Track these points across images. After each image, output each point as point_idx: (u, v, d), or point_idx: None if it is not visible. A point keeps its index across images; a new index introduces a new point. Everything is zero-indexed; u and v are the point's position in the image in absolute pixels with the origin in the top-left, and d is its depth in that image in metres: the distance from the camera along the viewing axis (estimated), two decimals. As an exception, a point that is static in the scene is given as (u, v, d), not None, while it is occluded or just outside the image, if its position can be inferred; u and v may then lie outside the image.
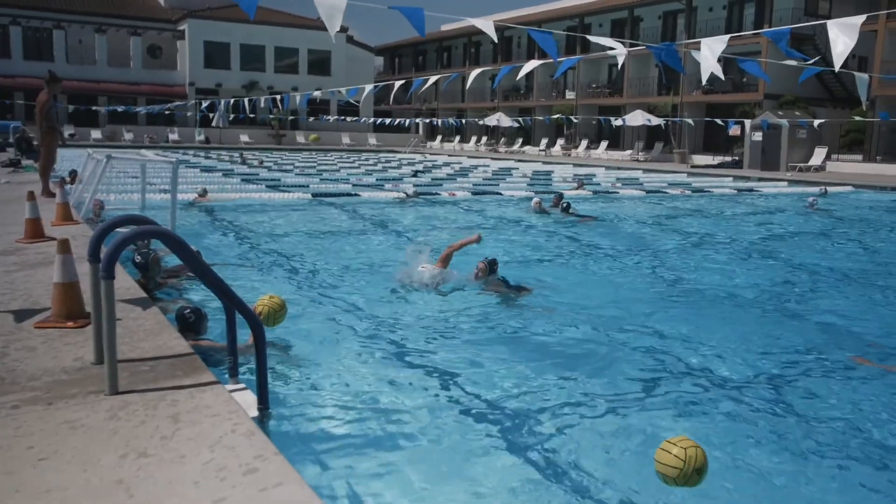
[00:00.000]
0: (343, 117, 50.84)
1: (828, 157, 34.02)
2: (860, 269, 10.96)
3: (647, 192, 23.48)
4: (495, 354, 6.29)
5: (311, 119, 54.88)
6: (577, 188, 22.85)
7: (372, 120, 47.60)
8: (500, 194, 21.20)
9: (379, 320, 7.23)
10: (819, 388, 5.68)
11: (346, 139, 55.20)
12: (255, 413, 3.92)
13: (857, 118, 31.81)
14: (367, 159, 40.17)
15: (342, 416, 4.85)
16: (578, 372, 5.87)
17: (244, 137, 51.96)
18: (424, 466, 4.22)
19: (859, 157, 34.80)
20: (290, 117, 53.26)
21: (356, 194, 19.61)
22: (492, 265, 8.67)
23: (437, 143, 60.56)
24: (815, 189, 23.16)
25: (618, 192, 22.99)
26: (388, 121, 42.67)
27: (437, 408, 5.00)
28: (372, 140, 56.01)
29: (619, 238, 13.62)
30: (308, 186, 21.72)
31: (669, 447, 3.60)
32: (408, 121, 44.96)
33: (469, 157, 45.97)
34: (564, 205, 16.10)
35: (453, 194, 20.75)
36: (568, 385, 5.52)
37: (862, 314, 8.12)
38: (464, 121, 51.13)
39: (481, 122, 49.67)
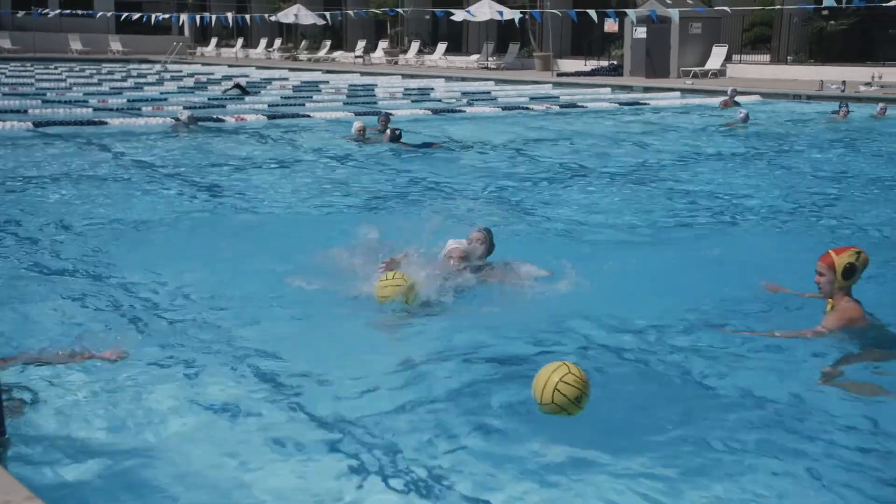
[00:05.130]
0: (69, 10, 48.34)
1: (728, 59, 36.06)
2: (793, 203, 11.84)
3: (504, 108, 24.24)
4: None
5: (20, 14, 51.72)
6: None
7: (113, 15, 45.68)
8: (308, 117, 21.22)
9: (161, 302, 7.07)
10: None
11: (75, 44, 52.63)
12: (-13, 443, 3.79)
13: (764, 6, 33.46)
14: (110, 73, 39.28)
15: (114, 437, 4.76)
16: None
17: None
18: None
19: (766, 57, 37.06)
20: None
21: (102, 122, 19.26)
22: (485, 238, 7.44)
23: (210, 48, 58.97)
24: (718, 100, 24.49)
25: (464, 112, 23.48)
26: (136, 17, 41.16)
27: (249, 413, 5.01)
28: (115, 45, 53.73)
29: (471, 172, 14.03)
30: (26, 112, 21.19)
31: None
32: (167, 16, 43.53)
33: (258, 67, 45.56)
34: (397, 132, 16.27)
35: (242, 118, 20.52)
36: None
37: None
38: (247, 17, 50.06)
39: (273, 19, 48.74)
